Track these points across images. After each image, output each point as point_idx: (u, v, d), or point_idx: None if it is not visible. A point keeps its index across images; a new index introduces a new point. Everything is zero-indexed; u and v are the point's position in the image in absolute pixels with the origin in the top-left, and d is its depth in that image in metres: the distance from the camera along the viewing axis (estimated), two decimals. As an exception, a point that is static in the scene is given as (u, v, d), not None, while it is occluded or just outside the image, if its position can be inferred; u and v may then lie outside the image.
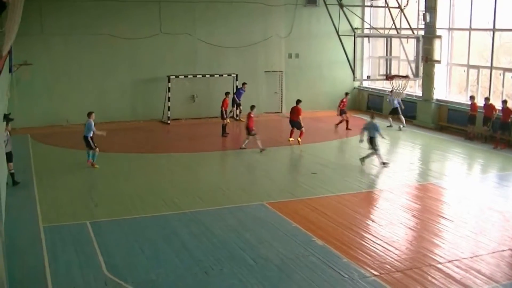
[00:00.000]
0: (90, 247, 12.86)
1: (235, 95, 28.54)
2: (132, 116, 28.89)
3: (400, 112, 28.01)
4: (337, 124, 27.68)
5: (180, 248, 12.91)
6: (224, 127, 26.14)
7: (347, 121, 27.45)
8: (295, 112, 24.58)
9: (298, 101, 24.80)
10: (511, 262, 12.50)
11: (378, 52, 31.01)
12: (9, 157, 17.41)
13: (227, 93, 26.83)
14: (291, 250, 12.77)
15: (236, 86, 29.29)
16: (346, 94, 28.78)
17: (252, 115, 23.35)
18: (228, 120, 26.35)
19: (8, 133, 17.63)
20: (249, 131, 23.06)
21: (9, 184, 17.34)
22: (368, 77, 29.39)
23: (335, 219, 14.98)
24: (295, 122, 24.50)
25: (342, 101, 27.88)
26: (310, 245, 13.06)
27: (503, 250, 12.98)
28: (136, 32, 28.57)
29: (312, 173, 19.89)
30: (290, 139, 24.62)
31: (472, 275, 11.57)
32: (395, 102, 28.00)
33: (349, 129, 27.14)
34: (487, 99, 24.91)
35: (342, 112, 27.60)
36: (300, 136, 24.24)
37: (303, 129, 24.31)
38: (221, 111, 26.09)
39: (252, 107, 23.73)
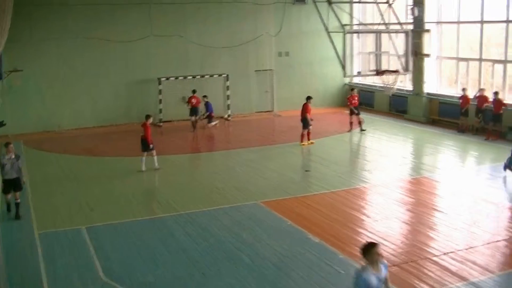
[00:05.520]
0: (86, 252, 12.88)
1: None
2: (125, 119, 28.86)
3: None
4: (350, 128, 26.50)
5: (176, 249, 12.94)
6: (193, 122, 27.39)
7: (352, 123, 26.44)
8: (303, 109, 23.80)
9: (308, 98, 24.00)
10: (506, 252, 12.62)
11: (368, 48, 31.13)
12: (15, 184, 15.24)
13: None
14: (287, 248, 12.82)
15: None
16: (352, 89, 27.68)
17: (148, 124, 20.24)
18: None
19: (13, 155, 15.25)
20: (147, 144, 20.01)
21: (10, 214, 15.54)
22: (359, 72, 29.50)
23: (330, 215, 15.04)
24: (302, 119, 23.65)
25: (348, 99, 27.02)
26: (306, 243, 13.12)
27: (498, 241, 13.08)
28: (128, 34, 28.56)
29: (306, 171, 19.96)
30: (302, 144, 23.66)
31: (468, 266, 11.65)
32: None
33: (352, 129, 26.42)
34: (481, 90, 25.08)
35: (352, 111, 26.43)
36: (307, 136, 23.76)
37: (309, 128, 23.67)
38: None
39: (148, 116, 20.48)
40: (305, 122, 23.61)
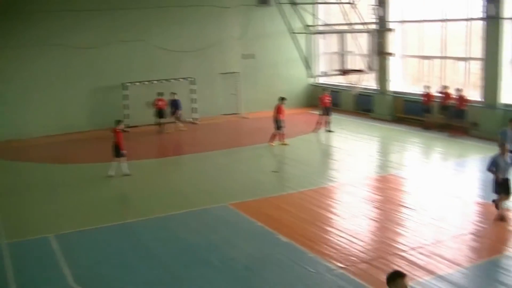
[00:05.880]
0: (55, 260, 12.73)
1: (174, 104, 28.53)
2: (91, 125, 28.58)
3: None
4: (316, 127, 26.59)
5: (147, 255, 12.89)
6: (160, 124, 27.75)
7: (320, 123, 26.52)
8: (275, 110, 23.66)
9: (281, 99, 23.84)
10: (472, 245, 12.86)
11: (333, 48, 31.28)
12: None
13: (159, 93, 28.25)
14: (257, 250, 12.87)
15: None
16: (324, 90, 27.69)
17: (119, 130, 20.04)
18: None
19: None
20: (119, 149, 19.79)
21: None
22: (324, 73, 29.66)
23: (298, 215, 15.12)
24: (274, 120, 23.51)
25: (320, 98, 26.94)
26: (276, 243, 13.17)
27: (464, 234, 13.31)
28: (92, 41, 28.30)
29: (273, 172, 20.04)
30: (271, 144, 23.66)
31: (436, 260, 11.82)
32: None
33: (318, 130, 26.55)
34: (443, 87, 25.51)
35: (323, 111, 26.43)
36: (278, 139, 23.68)
37: (282, 130, 23.55)
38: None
39: (118, 121, 20.38)
40: (277, 123, 23.58)
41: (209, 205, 16.19)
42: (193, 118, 30.01)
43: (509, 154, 14.45)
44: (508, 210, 14.22)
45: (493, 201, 14.40)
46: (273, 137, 23.67)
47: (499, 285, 10.83)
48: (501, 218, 13.97)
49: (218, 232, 14.14)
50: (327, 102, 26.49)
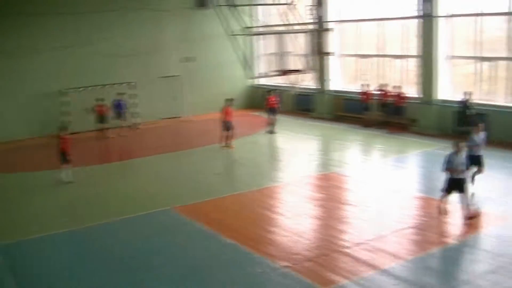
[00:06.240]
0: (1, 273, 12.44)
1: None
2: (31, 133, 27.92)
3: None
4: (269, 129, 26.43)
5: (93, 261, 12.64)
6: (102, 130, 27.34)
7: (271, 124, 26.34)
8: (222, 112, 23.58)
9: (227, 100, 23.76)
10: (413, 238, 13.13)
11: (272, 49, 31.44)
12: None
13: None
14: (201, 252, 12.79)
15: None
16: (269, 91, 27.44)
17: (64, 136, 19.52)
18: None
19: None
20: (65, 156, 19.35)
21: None
22: (263, 74, 29.76)
23: (242, 216, 15.13)
24: (222, 122, 23.40)
25: (266, 100, 26.82)
26: (220, 245, 13.11)
27: (405, 228, 13.57)
28: (28, 47, 27.62)
29: (215, 174, 19.98)
30: (224, 144, 23.50)
31: (379, 255, 12.01)
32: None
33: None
34: (382, 85, 26.00)
35: (269, 112, 26.32)
36: (225, 140, 23.54)
37: (230, 131, 23.43)
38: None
39: (62, 128, 20.01)
40: (225, 125, 23.44)
41: (154, 209, 15.98)
42: (135, 123, 29.67)
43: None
44: (447, 203, 14.49)
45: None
46: (223, 139, 23.60)
47: (439, 276, 11.11)
48: (473, 216, 13.85)
49: (162, 236, 14.00)
50: (274, 104, 26.56)
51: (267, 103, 26.61)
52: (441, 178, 14.31)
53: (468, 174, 14.46)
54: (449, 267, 11.55)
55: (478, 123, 16.30)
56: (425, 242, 12.84)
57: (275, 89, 28.69)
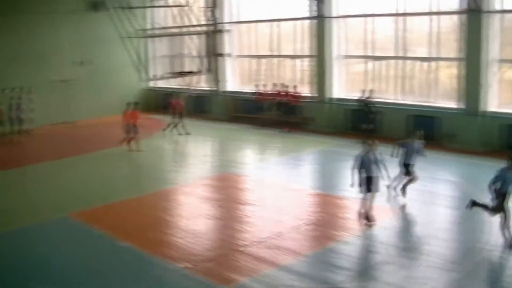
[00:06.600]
0: None
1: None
2: None
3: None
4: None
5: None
6: None
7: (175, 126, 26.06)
8: (123, 115, 22.89)
9: (128, 104, 23.14)
10: (312, 234, 13.32)
11: (169, 51, 31.14)
12: None
13: None
14: (99, 257, 12.37)
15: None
16: (171, 94, 27.27)
17: None
18: None
19: None
20: None
21: None
22: (158, 76, 29.40)
23: (139, 220, 14.77)
24: (124, 125, 22.71)
25: (169, 103, 26.58)
26: (118, 249, 12.71)
27: (302, 225, 13.73)
28: None
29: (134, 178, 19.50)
30: (130, 148, 22.81)
31: (278, 252, 12.05)
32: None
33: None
34: (277, 85, 26.39)
35: (175, 116, 25.92)
36: (127, 143, 22.89)
37: (132, 135, 22.73)
38: None
39: None
40: (127, 128, 22.75)
41: (49, 217, 15.27)
42: (28, 128, 28.41)
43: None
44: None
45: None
46: (126, 142, 22.96)
47: (337, 269, 11.25)
48: (370, 220, 13.67)
49: (58, 244, 13.39)
50: (179, 107, 26.16)
51: (172, 106, 26.28)
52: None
53: (382, 175, 13.83)
54: (346, 260, 11.73)
55: (417, 130, 15.64)
56: (323, 238, 13.03)
57: (181, 92, 28.23)
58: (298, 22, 26.64)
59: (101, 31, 31.45)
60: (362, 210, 13.74)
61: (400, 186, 15.38)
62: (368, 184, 13.59)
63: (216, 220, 14.84)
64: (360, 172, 13.62)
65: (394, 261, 11.65)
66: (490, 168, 17.60)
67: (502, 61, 21.04)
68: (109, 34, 30.49)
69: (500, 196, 11.96)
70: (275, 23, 27.88)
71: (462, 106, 21.51)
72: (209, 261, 11.81)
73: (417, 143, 15.24)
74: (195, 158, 21.81)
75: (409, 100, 23.49)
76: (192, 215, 15.04)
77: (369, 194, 13.64)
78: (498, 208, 12.04)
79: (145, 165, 21.36)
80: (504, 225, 12.01)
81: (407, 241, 12.96)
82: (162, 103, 32.38)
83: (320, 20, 24.76)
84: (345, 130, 24.37)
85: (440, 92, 22.99)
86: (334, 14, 24.71)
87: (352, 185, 13.76)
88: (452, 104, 22.02)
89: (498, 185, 11.94)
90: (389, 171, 14.02)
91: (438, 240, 12.61)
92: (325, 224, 13.89)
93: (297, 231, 13.32)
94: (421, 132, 15.45)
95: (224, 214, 15.16)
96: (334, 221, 14.15)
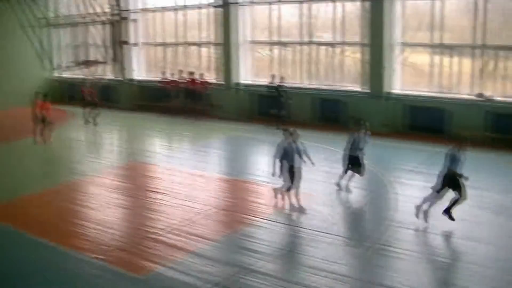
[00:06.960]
0: None
1: None
2: None
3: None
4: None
5: None
6: None
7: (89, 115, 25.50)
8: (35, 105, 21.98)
9: (36, 93, 22.28)
10: (222, 219, 13.50)
11: (74, 40, 30.49)
12: None
13: None
14: (8, 254, 11.98)
15: None
16: (82, 83, 26.46)
17: None
18: None
19: None
20: None
21: None
22: (63, 66, 28.76)
23: (48, 212, 14.44)
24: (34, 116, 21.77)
25: (82, 91, 25.82)
26: (26, 244, 12.41)
27: (213, 210, 13.88)
28: None
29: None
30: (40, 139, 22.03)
31: (191, 239, 12.12)
32: None
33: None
34: (183, 72, 26.31)
35: (87, 105, 25.39)
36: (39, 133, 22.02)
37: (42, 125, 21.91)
38: None
39: None
40: (35, 118, 21.88)
41: None
42: None
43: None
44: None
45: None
46: (37, 133, 22.13)
47: (248, 252, 11.45)
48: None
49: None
50: (90, 95, 25.57)
51: (83, 96, 25.67)
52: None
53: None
54: (258, 243, 11.93)
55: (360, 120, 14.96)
56: (234, 222, 13.21)
57: (92, 81, 27.47)
58: (205, 9, 26.63)
59: (3, 21, 30.31)
60: (291, 199, 13.95)
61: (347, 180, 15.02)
62: (291, 174, 13.68)
63: (127, 209, 14.74)
64: (281, 162, 13.64)
65: (306, 243, 11.99)
66: (394, 149, 18.45)
67: (404, 44, 21.84)
68: (11, 23, 29.54)
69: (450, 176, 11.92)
70: (181, 11, 27.77)
71: (367, 89, 22.18)
72: (122, 251, 11.74)
73: (362, 135, 14.61)
74: (104, 148, 21.50)
75: (315, 85, 24.00)
76: (103, 205, 14.84)
77: (293, 184, 13.75)
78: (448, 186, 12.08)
79: (53, 156, 20.87)
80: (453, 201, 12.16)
81: (319, 222, 13.20)
82: (67, 93, 31.66)
83: (226, 7, 24.85)
84: (252, 116, 24.63)
85: (346, 76, 23.62)
86: (239, 1, 24.86)
87: (273, 174, 13.84)
88: (357, 88, 22.67)
89: (455, 166, 11.81)
90: (312, 159, 14.06)
91: (347, 221, 13.05)
92: (235, 209, 14.07)
93: (208, 217, 13.45)
94: (367, 124, 14.70)
95: (133, 203, 15.07)
96: (244, 206, 14.35)
